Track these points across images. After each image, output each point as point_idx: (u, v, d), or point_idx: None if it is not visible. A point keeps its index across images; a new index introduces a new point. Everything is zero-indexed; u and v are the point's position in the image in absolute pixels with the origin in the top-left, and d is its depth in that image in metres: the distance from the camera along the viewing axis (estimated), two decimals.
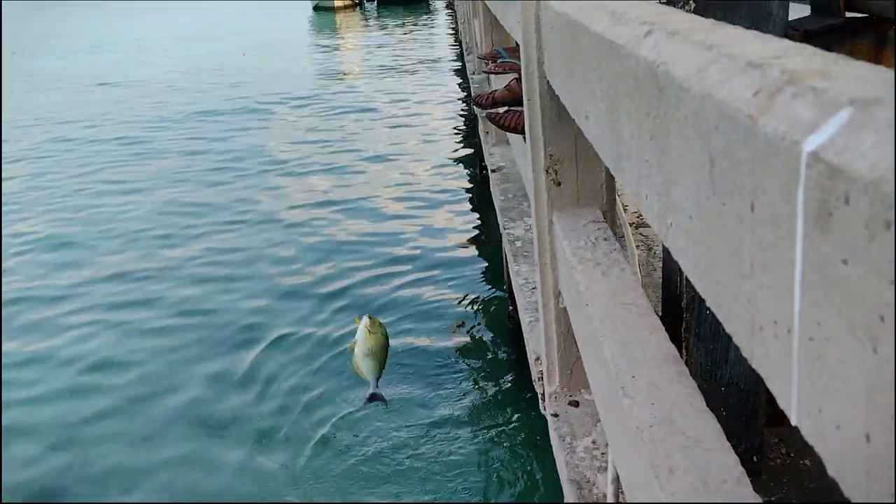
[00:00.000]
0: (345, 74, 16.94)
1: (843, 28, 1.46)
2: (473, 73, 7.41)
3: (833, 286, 0.37)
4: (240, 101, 13.89)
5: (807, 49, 0.56)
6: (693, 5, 1.38)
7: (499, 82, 3.31)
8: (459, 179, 8.66)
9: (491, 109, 2.75)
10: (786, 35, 1.43)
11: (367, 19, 29.47)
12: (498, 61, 3.09)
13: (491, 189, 4.14)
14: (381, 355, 3.14)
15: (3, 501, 3.79)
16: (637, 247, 2.79)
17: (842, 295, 0.37)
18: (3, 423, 4.46)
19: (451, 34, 21.37)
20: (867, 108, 0.38)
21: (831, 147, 0.38)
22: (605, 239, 1.57)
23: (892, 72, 0.45)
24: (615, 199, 1.77)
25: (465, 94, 12.00)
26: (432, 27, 24.73)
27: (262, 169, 9.32)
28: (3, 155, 10.16)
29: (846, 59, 0.51)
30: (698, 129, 0.58)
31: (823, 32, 1.46)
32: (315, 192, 8.52)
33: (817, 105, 0.42)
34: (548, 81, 1.56)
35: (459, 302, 5.68)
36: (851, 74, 0.45)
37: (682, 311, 1.70)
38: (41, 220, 8.05)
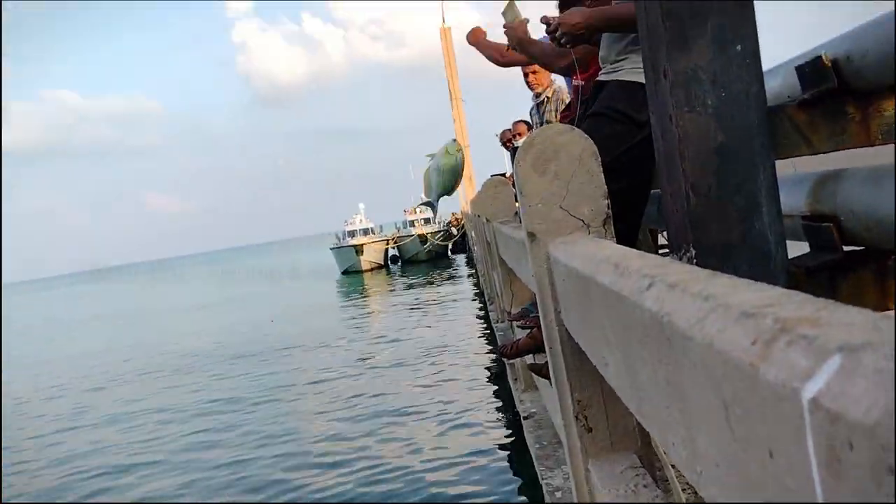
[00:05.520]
0: (371, 328, 17.43)
1: (842, 263, 1.52)
2: (497, 322, 7.60)
3: None
4: (269, 364, 14.18)
5: (797, 296, 0.60)
6: (694, 252, 1.47)
7: (522, 332, 3.39)
8: (493, 425, 8.47)
9: (515, 358, 2.80)
10: (789, 273, 1.49)
11: (392, 278, 31.05)
12: (530, 316, 3.19)
13: (525, 436, 4.04)
14: (448, 177, 3.43)
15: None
16: (683, 490, 2.63)
17: None
18: None
19: (473, 287, 22.29)
20: (855, 354, 0.40)
21: (828, 393, 0.39)
22: (645, 486, 1.51)
23: (877, 315, 0.48)
24: (650, 441, 1.73)
25: (490, 342, 12.19)
26: (455, 281, 25.90)
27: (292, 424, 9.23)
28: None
29: (834, 305, 0.54)
30: (708, 376, 0.60)
31: (824, 268, 1.52)
32: (342, 446, 8.34)
33: (810, 352, 0.44)
34: (567, 329, 1.61)
35: None
36: (839, 320, 0.48)
37: None
38: None
